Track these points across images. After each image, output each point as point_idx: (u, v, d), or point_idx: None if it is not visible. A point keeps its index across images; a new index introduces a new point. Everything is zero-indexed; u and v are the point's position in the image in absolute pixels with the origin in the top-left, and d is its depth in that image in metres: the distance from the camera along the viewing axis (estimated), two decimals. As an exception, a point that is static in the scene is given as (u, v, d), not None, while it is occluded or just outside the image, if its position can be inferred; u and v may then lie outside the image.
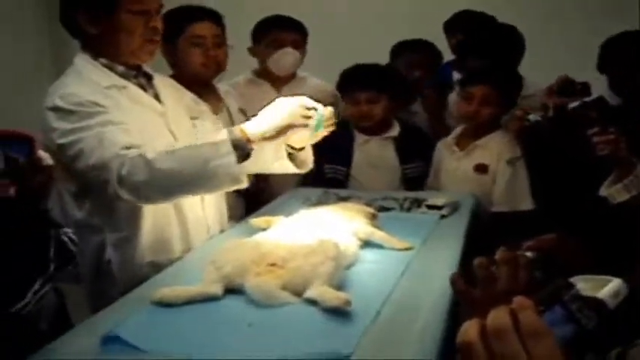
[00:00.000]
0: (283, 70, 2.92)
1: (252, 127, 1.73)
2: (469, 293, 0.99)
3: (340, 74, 2.81)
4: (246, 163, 1.72)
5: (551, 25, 4.03)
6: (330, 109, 1.81)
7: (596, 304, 0.76)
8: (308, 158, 1.97)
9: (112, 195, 1.72)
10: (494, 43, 2.83)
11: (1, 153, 1.50)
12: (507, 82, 2.61)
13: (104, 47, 1.90)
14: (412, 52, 3.12)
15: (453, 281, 1.02)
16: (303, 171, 1.98)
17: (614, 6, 3.83)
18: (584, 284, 0.78)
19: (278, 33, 2.88)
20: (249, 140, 1.71)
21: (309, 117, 1.75)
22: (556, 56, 3.65)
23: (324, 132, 1.82)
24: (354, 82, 2.75)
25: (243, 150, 1.70)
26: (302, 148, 1.95)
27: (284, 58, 2.88)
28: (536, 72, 2.84)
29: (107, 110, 1.79)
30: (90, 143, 1.74)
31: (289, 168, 1.95)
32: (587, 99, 2.28)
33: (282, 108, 1.74)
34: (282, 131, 1.73)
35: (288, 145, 1.92)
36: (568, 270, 1.02)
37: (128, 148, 1.72)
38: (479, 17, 3.27)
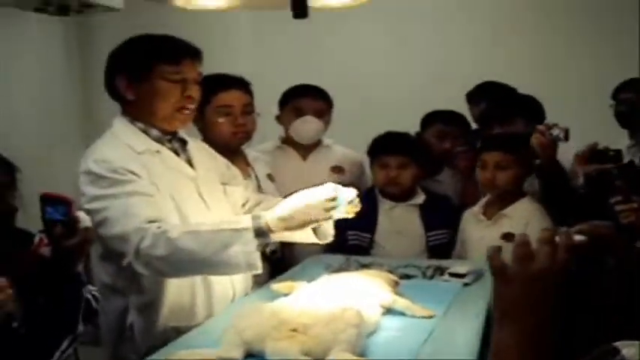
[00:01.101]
0: (304, 139, 2.95)
1: (274, 218, 1.76)
2: (505, 269, 0.96)
3: (372, 140, 2.86)
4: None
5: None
6: (354, 194, 1.83)
7: None
8: (329, 230, 1.98)
9: (127, 265, 1.75)
10: (515, 112, 2.86)
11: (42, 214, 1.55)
12: (521, 147, 2.62)
13: (140, 112, 1.97)
14: (442, 122, 3.14)
15: (491, 257, 0.99)
16: (324, 242, 1.99)
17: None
18: (628, 350, 0.76)
19: (300, 101, 2.93)
20: (270, 230, 1.75)
21: (332, 207, 1.77)
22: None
23: (347, 215, 1.84)
24: (385, 147, 2.79)
25: (263, 238, 1.75)
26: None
27: (304, 127, 2.91)
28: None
29: (137, 179, 1.84)
30: (115, 213, 1.78)
31: (310, 238, 1.96)
32: (613, 166, 2.28)
33: (306, 202, 1.76)
34: (304, 225, 1.77)
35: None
36: (614, 260, 1.01)
37: (151, 221, 1.76)
38: (501, 88, 3.32)
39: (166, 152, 2.00)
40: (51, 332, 1.53)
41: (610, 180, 2.13)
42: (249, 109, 2.54)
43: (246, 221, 1.77)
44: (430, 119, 3.19)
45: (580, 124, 2.72)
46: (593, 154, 2.39)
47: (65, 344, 1.54)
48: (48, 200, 1.55)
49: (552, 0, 4.25)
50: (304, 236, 1.94)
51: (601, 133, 2.66)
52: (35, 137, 3.95)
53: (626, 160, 2.44)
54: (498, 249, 0.99)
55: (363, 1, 2.63)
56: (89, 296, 1.68)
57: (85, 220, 1.55)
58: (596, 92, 3.13)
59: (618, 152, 2.39)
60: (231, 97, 2.50)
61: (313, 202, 1.76)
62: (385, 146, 2.80)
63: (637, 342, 0.79)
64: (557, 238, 0.96)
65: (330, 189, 1.79)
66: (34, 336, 1.48)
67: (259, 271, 1.79)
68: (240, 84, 2.54)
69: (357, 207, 1.85)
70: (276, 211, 1.77)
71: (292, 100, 2.96)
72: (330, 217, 1.80)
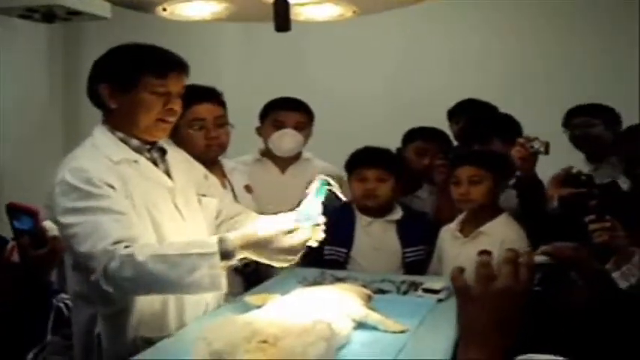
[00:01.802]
0: (282, 151, 2.95)
1: (237, 244, 1.78)
2: (468, 290, 0.98)
3: (351, 154, 2.86)
4: None
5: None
6: (320, 220, 1.87)
7: None
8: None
9: (95, 284, 1.75)
10: (493, 131, 2.89)
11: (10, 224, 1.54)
12: (493, 161, 2.64)
13: (121, 121, 1.96)
14: (422, 139, 3.16)
15: (454, 277, 1.01)
16: (290, 264, 1.97)
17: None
18: None
19: (280, 113, 2.94)
20: (234, 253, 1.78)
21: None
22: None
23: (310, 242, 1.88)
24: (363, 160, 2.80)
25: (228, 260, 1.77)
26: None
27: (283, 139, 2.91)
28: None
29: (112, 194, 1.83)
30: (85, 230, 1.77)
31: (275, 261, 1.94)
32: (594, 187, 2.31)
33: (265, 231, 1.80)
34: (261, 252, 1.80)
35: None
36: (581, 279, 1.02)
37: (119, 242, 1.75)
38: (481, 106, 3.35)
39: (144, 162, 2.00)
40: (18, 342, 1.52)
41: (584, 203, 2.16)
42: (221, 122, 2.54)
43: (212, 245, 1.78)
44: (411, 136, 3.21)
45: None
46: (567, 178, 2.42)
47: (31, 355, 1.52)
48: (14, 211, 1.55)
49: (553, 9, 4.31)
50: (268, 258, 1.95)
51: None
52: (16, 144, 3.92)
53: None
54: (461, 270, 1.01)
55: (347, 16, 2.64)
56: (61, 304, 1.67)
57: (52, 229, 1.55)
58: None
59: (589, 176, 2.42)
60: (204, 110, 2.49)
61: (272, 232, 1.79)
62: (363, 159, 2.81)
63: (540, 356, 0.81)
64: (520, 259, 0.98)
65: (290, 221, 1.83)
66: (1, 345, 1.46)
67: (223, 290, 1.82)
68: (213, 96, 2.54)
69: (319, 235, 1.89)
70: (239, 236, 1.81)
71: (272, 112, 2.96)
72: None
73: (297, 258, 1.90)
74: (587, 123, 3.17)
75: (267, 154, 3.03)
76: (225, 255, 1.76)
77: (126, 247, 1.75)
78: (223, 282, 1.77)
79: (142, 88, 1.92)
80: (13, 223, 1.55)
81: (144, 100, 1.93)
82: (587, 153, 3.18)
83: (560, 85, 4.14)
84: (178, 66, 1.99)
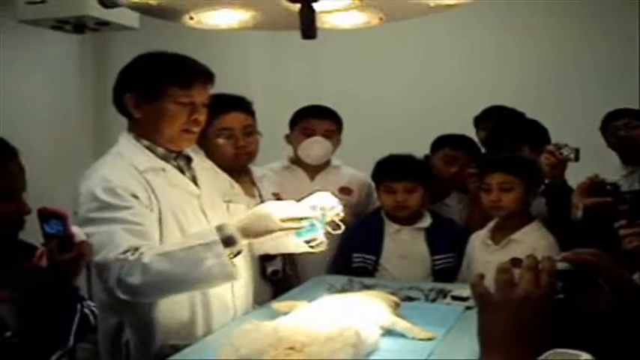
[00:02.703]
0: (311, 159, 2.95)
1: (236, 227, 1.80)
2: (489, 297, 0.97)
3: (376, 163, 2.85)
4: (264, 247, 1.76)
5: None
6: (336, 211, 1.90)
7: None
8: (323, 239, 1.99)
9: (109, 293, 1.78)
10: (521, 138, 2.86)
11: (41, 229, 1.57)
12: (524, 168, 2.61)
13: (146, 130, 1.98)
14: (451, 147, 3.14)
15: (474, 283, 1.00)
16: (317, 250, 2.01)
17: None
18: (554, 357, 0.77)
19: (309, 121, 2.94)
20: (236, 238, 1.79)
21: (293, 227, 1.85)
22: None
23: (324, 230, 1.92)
24: (391, 173, 2.78)
25: (233, 246, 1.78)
26: None
27: (312, 147, 2.91)
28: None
29: (133, 204, 1.85)
30: (100, 240, 1.78)
31: (303, 247, 2.01)
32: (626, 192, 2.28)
33: (266, 213, 1.83)
34: (261, 235, 1.83)
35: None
36: (606, 285, 1.01)
37: (130, 250, 1.77)
38: (508, 112, 3.32)
39: (171, 170, 2.01)
40: (41, 345, 1.53)
41: (609, 213, 2.12)
42: (250, 130, 2.53)
43: (212, 233, 1.79)
44: (439, 143, 3.19)
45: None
46: (593, 187, 2.38)
47: (54, 358, 1.54)
48: (44, 215, 1.57)
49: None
50: (299, 246, 1.99)
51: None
52: (47, 154, 3.99)
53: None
54: (481, 276, 1.00)
55: (374, 23, 2.64)
56: (87, 311, 1.68)
57: (79, 234, 1.57)
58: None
59: (615, 185, 2.38)
60: (232, 120, 2.49)
61: (272, 217, 1.81)
62: (390, 172, 2.78)
63: (566, 350, 0.80)
64: (540, 265, 0.97)
65: (298, 209, 1.86)
66: (25, 347, 1.48)
67: (237, 279, 1.82)
68: (241, 105, 2.54)
69: (337, 226, 1.92)
70: (239, 220, 1.83)
71: (302, 120, 2.97)
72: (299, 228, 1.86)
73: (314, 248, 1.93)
74: (628, 124, 3.14)
75: (296, 161, 3.03)
76: (228, 242, 1.77)
77: (133, 253, 1.76)
78: (234, 270, 1.78)
79: (166, 98, 1.93)
80: (44, 227, 1.57)
81: (168, 110, 1.95)
82: (624, 156, 3.13)
83: (587, 91, 4.12)
84: (203, 76, 2.00)
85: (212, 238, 1.77)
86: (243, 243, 1.82)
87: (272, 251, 2.16)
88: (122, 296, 1.76)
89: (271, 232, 1.82)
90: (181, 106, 1.94)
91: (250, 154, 2.56)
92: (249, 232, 1.82)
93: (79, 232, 1.58)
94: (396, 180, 2.74)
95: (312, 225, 1.89)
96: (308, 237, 1.92)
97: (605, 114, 3.26)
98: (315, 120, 2.94)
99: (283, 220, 1.83)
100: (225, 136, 2.48)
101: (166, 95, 1.94)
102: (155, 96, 1.94)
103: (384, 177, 2.80)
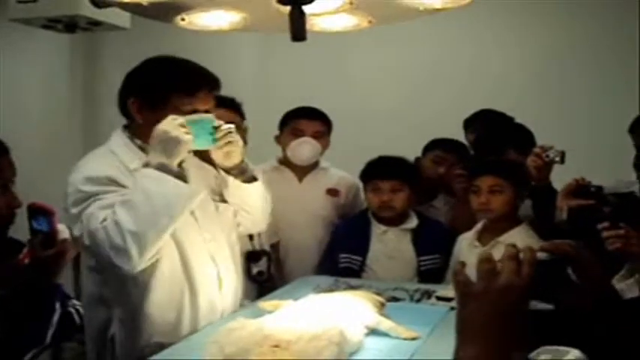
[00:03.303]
0: (300, 160, 2.97)
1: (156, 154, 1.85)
2: (470, 286, 0.98)
3: (366, 164, 2.88)
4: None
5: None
6: (208, 116, 1.94)
7: None
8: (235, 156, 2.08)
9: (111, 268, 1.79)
10: (508, 142, 2.89)
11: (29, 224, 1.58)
12: (514, 171, 2.64)
13: (144, 132, 1.95)
14: (441, 149, 3.17)
15: (456, 271, 1.01)
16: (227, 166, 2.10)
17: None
18: (544, 356, 0.80)
19: (299, 122, 2.96)
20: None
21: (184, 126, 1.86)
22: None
23: (213, 146, 1.96)
24: (377, 172, 2.81)
25: (170, 170, 1.81)
26: (233, 168, 2.11)
27: (301, 148, 2.94)
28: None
29: (117, 189, 1.86)
30: (87, 222, 1.80)
31: (239, 185, 2.14)
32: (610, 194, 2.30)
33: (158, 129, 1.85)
34: (166, 144, 1.83)
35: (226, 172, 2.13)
36: (579, 279, 1.03)
37: (107, 218, 1.79)
38: (497, 116, 3.35)
39: None
40: (17, 340, 1.54)
41: (592, 216, 2.15)
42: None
43: (149, 171, 1.83)
44: (431, 145, 3.22)
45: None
46: (577, 189, 2.41)
47: (30, 355, 1.55)
48: (33, 211, 1.58)
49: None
50: (237, 186, 2.12)
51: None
52: (36, 152, 3.98)
53: None
54: (463, 264, 1.00)
55: (363, 26, 2.66)
56: (72, 310, 1.69)
57: (63, 232, 1.58)
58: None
59: (599, 188, 2.41)
60: (220, 116, 2.51)
61: (167, 121, 1.84)
62: (377, 171, 2.82)
63: (557, 347, 0.82)
64: (521, 255, 0.98)
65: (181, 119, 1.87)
66: (2, 344, 1.49)
67: (199, 194, 1.88)
68: (229, 104, 2.57)
69: (228, 143, 1.97)
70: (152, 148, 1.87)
71: (292, 121, 2.99)
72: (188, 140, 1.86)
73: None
74: (481, 129, 3.22)
75: (284, 162, 3.05)
76: (160, 167, 1.81)
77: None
78: (188, 186, 1.83)
79: (170, 105, 1.93)
80: (32, 223, 1.58)
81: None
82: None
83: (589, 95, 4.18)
84: (209, 84, 2.01)
85: (144, 173, 1.82)
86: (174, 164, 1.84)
87: (240, 203, 2.20)
88: (124, 265, 1.77)
89: (177, 140, 1.83)
90: (183, 113, 1.93)
91: None
92: (155, 146, 1.84)
93: (63, 229, 1.59)
94: (382, 179, 2.77)
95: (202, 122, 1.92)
96: (204, 143, 1.95)
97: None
98: (305, 121, 2.97)
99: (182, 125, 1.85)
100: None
101: (170, 103, 1.94)
102: (159, 103, 1.94)
103: (372, 176, 2.83)
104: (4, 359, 1.51)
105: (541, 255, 1.03)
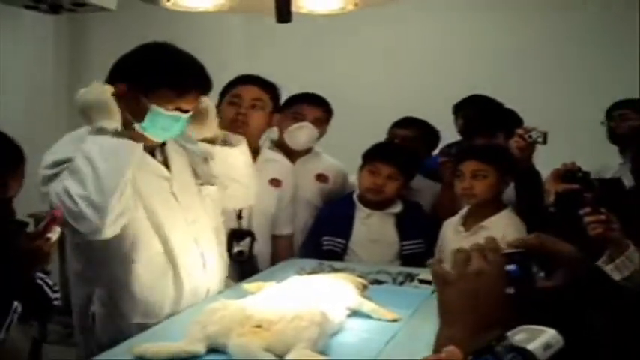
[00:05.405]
0: (297, 144, 2.95)
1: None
2: (446, 275, 1.07)
3: (373, 145, 2.88)
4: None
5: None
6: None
7: (526, 355, 0.80)
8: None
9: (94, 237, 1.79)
10: (497, 126, 2.90)
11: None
12: (498, 156, 2.65)
13: (125, 118, 1.90)
14: (405, 128, 3.22)
15: (434, 265, 1.11)
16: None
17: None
18: (519, 335, 0.81)
19: (301, 107, 2.94)
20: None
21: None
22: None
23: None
24: (380, 154, 2.81)
25: (107, 131, 1.81)
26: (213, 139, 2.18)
27: (299, 132, 2.91)
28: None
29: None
30: (57, 195, 1.80)
31: (225, 150, 2.20)
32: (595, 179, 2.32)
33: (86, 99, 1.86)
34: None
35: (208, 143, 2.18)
36: (551, 264, 1.12)
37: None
38: (487, 101, 3.35)
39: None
40: None
41: (578, 200, 2.16)
42: (258, 104, 2.61)
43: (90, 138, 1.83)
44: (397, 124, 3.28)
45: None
46: (565, 174, 2.42)
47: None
48: None
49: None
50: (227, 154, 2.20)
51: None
52: (21, 134, 3.95)
53: None
54: (439, 260, 1.13)
55: (349, 9, 2.66)
56: (41, 282, 1.72)
57: (55, 231, 1.62)
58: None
59: (585, 173, 2.42)
60: (244, 89, 2.61)
61: (94, 88, 1.87)
62: (382, 153, 2.82)
63: (531, 326, 0.85)
64: (485, 244, 1.10)
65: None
66: None
67: (140, 148, 1.86)
68: (258, 81, 2.65)
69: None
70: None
71: (293, 105, 2.97)
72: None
73: None
74: (624, 116, 3.21)
75: (278, 144, 3.02)
76: (97, 131, 1.81)
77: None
78: (121, 133, 1.83)
79: (155, 99, 1.89)
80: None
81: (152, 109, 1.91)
82: (621, 146, 3.19)
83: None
84: (200, 87, 1.99)
85: (91, 138, 1.81)
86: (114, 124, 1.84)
87: (229, 172, 2.23)
88: (86, 230, 1.76)
89: (105, 102, 1.84)
90: (167, 109, 1.90)
91: (245, 123, 2.57)
92: (99, 114, 1.84)
93: (55, 230, 1.63)
94: (383, 162, 2.77)
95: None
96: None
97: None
98: (307, 106, 2.95)
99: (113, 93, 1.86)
100: (232, 102, 2.60)
101: (157, 96, 1.89)
102: (145, 92, 1.89)
103: (375, 156, 2.82)
104: None
105: (510, 249, 1.11)
